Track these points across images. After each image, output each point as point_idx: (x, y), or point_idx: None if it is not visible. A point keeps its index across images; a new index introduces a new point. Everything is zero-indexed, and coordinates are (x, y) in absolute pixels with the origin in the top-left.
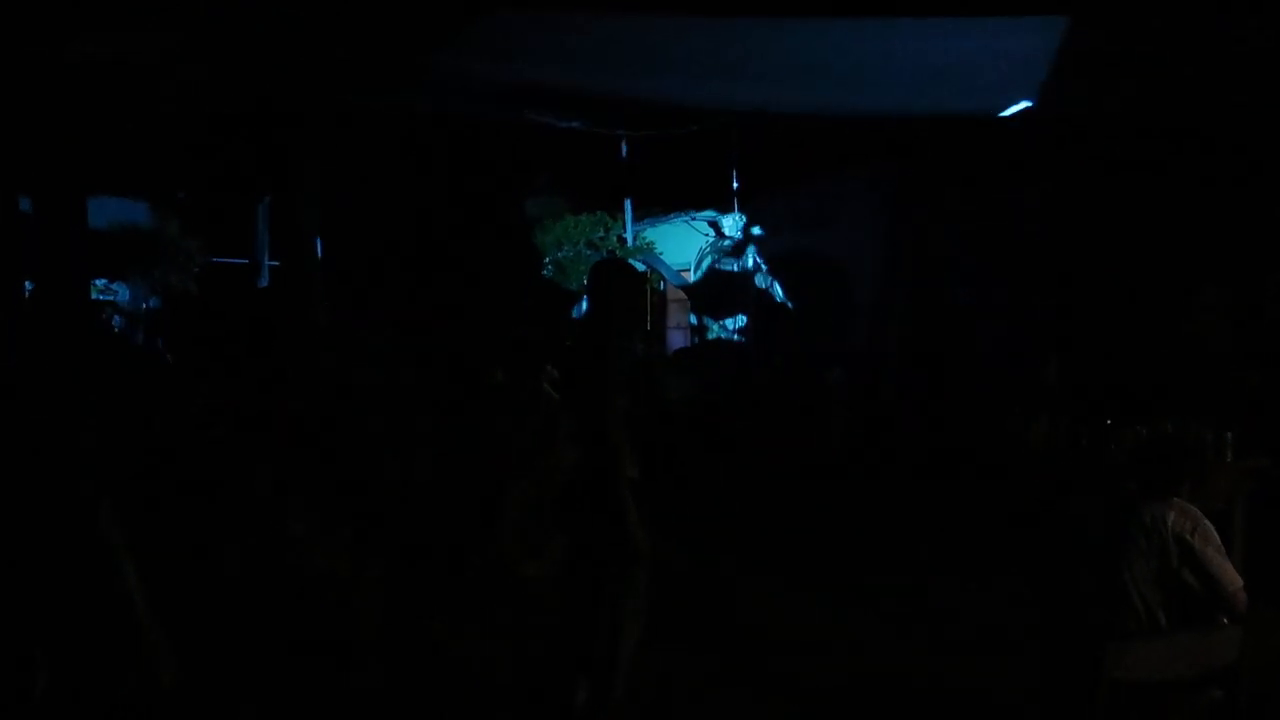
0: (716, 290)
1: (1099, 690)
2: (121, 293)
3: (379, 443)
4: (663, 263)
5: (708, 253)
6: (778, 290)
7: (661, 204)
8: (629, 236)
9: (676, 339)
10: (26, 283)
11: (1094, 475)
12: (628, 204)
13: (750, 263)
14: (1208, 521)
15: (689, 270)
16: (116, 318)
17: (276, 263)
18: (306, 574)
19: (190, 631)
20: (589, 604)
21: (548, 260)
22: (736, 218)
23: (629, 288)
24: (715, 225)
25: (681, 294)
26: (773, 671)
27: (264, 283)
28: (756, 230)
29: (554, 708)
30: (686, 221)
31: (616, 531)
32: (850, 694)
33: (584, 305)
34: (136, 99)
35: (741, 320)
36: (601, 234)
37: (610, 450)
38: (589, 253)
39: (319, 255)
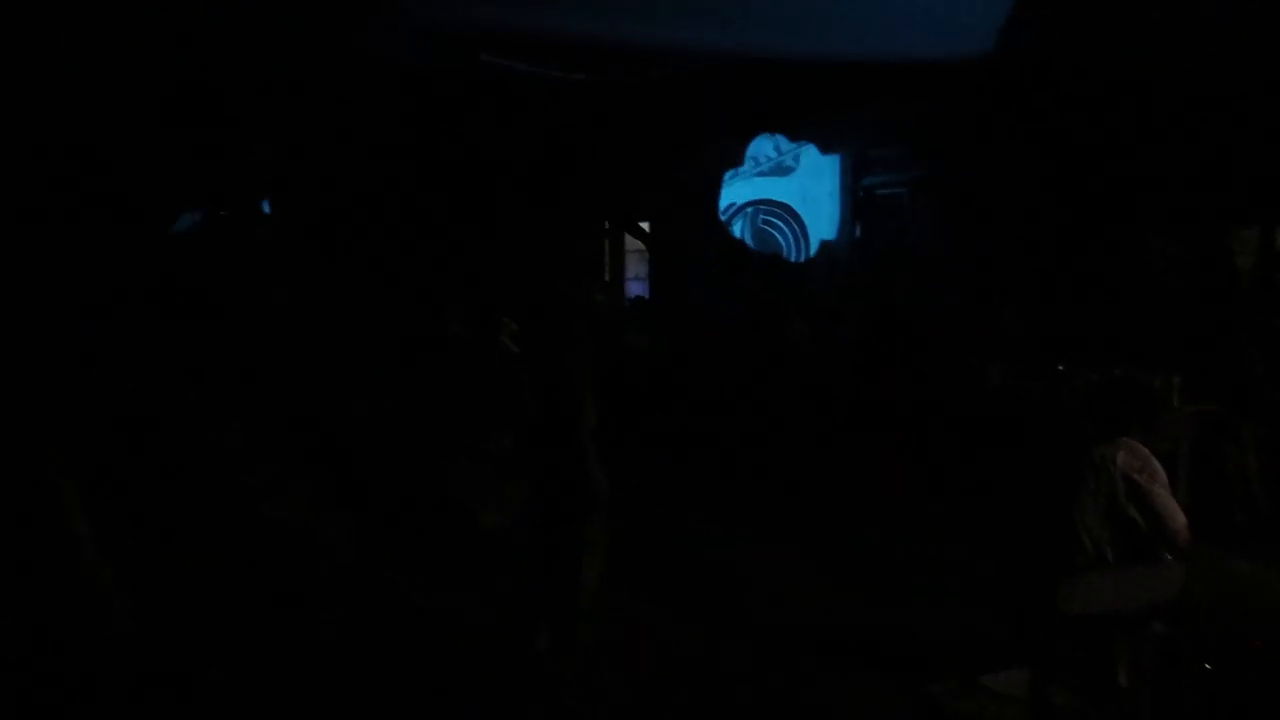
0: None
1: (1050, 624)
2: None
3: (338, 395)
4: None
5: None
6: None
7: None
8: None
9: (635, 290)
10: None
11: (1047, 419)
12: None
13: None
14: (1155, 461)
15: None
16: None
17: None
18: (265, 524)
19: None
20: (550, 551)
21: None
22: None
23: (587, 240)
24: None
25: (640, 245)
26: (734, 616)
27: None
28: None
29: (516, 654)
30: None
31: (577, 479)
32: (809, 636)
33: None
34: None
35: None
36: None
37: (570, 399)
38: None
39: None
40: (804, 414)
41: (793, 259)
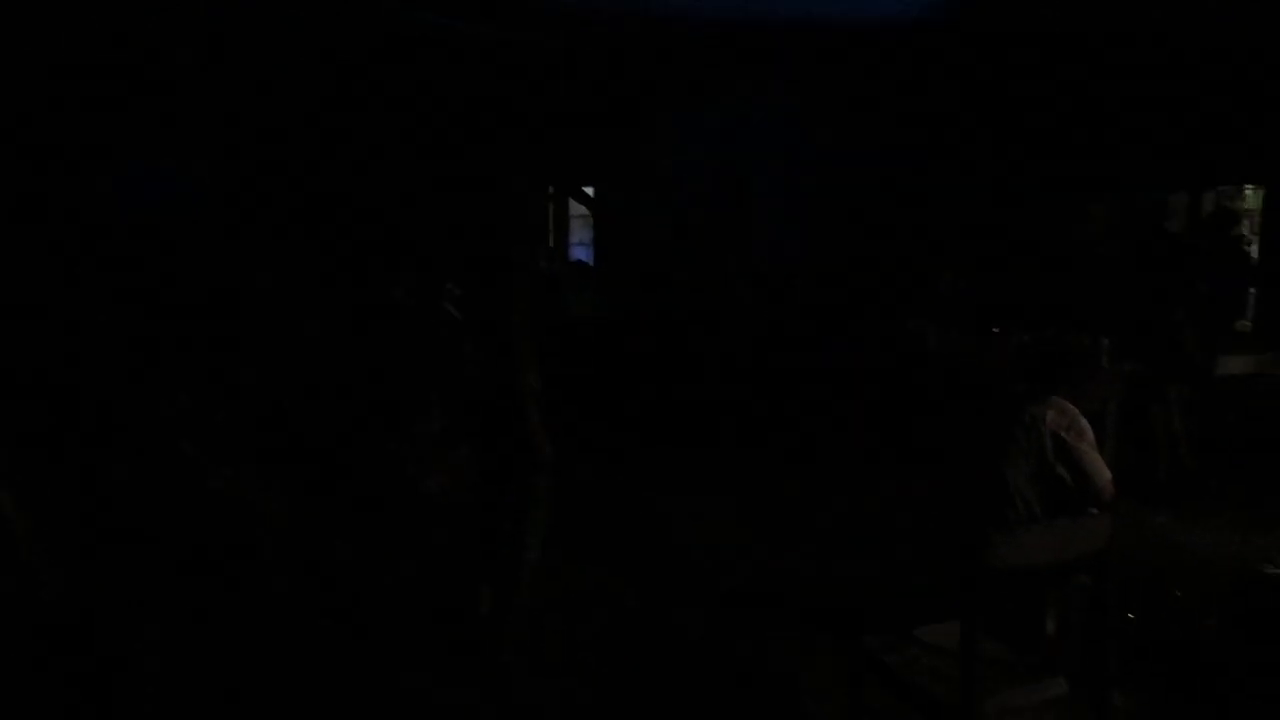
0: None
1: (980, 577)
2: None
3: (277, 361)
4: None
5: None
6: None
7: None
8: None
9: (579, 255)
10: None
11: (982, 379)
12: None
13: None
14: (1083, 419)
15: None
16: None
17: None
18: (204, 494)
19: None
20: (492, 515)
21: None
22: None
23: (531, 204)
24: None
25: (584, 210)
26: (676, 574)
27: None
28: None
29: (460, 619)
30: None
31: (519, 442)
32: (750, 592)
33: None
34: None
35: None
36: None
37: (514, 363)
38: None
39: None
40: (748, 377)
41: (739, 221)
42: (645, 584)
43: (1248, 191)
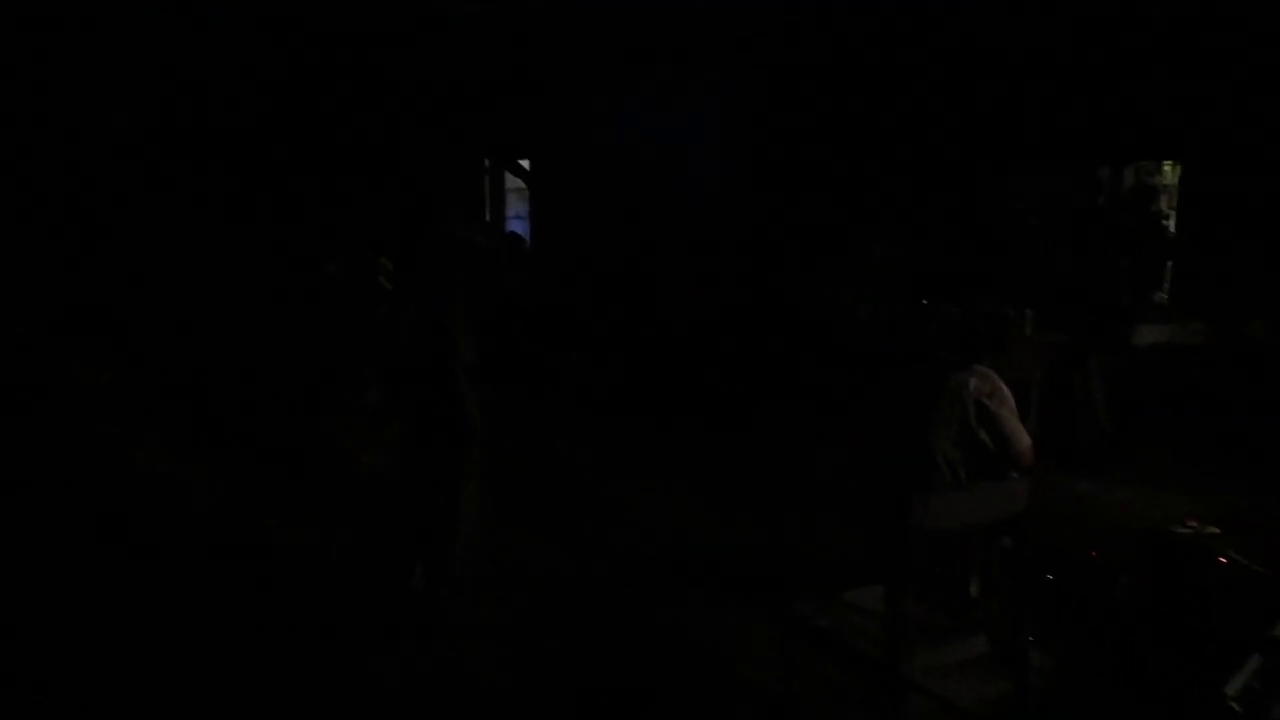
0: None
1: (905, 539)
2: None
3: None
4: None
5: None
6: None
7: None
8: None
9: (516, 228)
10: None
11: (911, 348)
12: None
13: None
14: (1005, 386)
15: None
16: None
17: None
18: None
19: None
20: (427, 488)
21: None
22: None
23: (467, 177)
24: None
25: (520, 183)
26: (609, 545)
27: None
28: None
29: (393, 592)
30: None
31: (454, 415)
32: (684, 561)
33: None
34: None
35: None
36: None
37: (448, 337)
38: None
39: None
40: (684, 349)
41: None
42: (582, 555)
43: (1165, 167)
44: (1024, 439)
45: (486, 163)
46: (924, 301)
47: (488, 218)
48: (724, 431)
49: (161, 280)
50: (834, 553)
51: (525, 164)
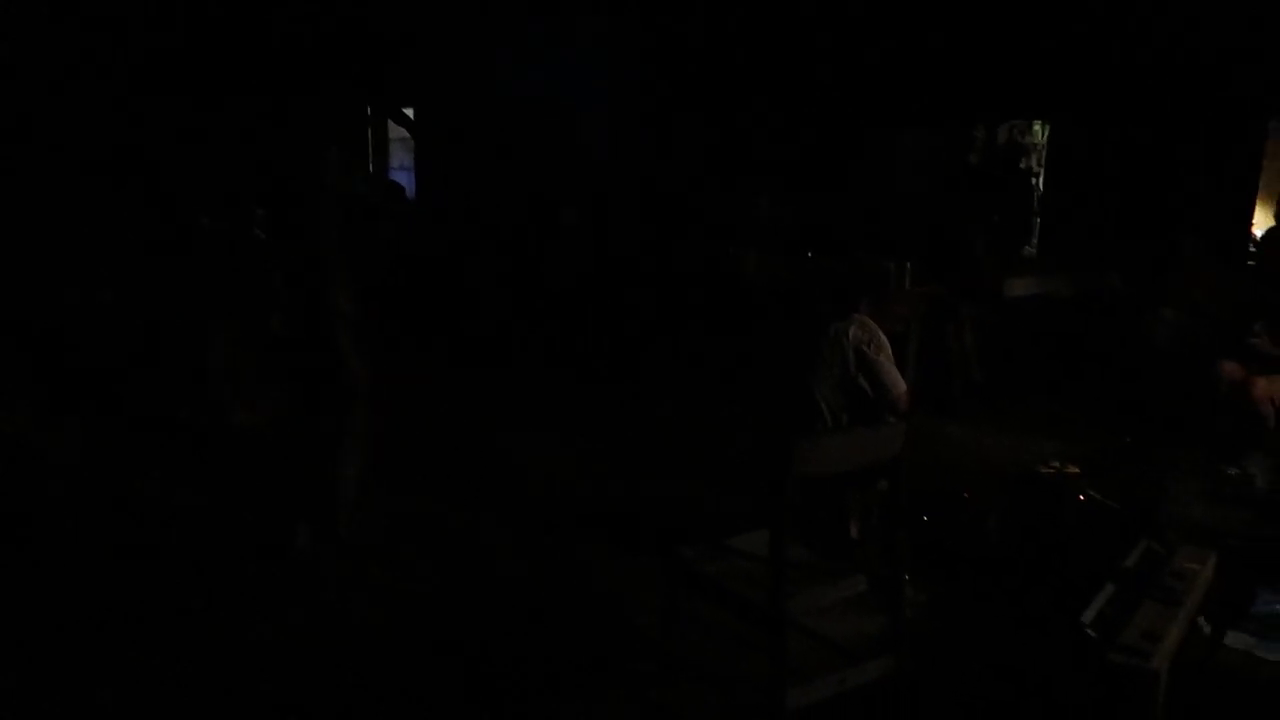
0: None
1: (786, 484)
2: None
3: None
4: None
5: None
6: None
7: None
8: None
9: (401, 180)
10: None
11: (794, 301)
12: None
13: None
14: (882, 334)
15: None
16: None
17: None
18: None
19: None
20: (308, 446)
21: None
22: None
23: (345, 128)
24: None
25: (404, 132)
26: (500, 501)
27: None
28: None
29: (275, 556)
30: None
31: (333, 370)
32: (575, 514)
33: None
34: None
35: None
36: None
37: (325, 287)
38: None
39: None
40: (574, 302)
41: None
42: (468, 510)
43: (1035, 127)
44: (900, 385)
45: (369, 111)
46: (807, 255)
47: (370, 168)
48: (611, 384)
49: (20, 237)
50: (721, 501)
51: (410, 113)
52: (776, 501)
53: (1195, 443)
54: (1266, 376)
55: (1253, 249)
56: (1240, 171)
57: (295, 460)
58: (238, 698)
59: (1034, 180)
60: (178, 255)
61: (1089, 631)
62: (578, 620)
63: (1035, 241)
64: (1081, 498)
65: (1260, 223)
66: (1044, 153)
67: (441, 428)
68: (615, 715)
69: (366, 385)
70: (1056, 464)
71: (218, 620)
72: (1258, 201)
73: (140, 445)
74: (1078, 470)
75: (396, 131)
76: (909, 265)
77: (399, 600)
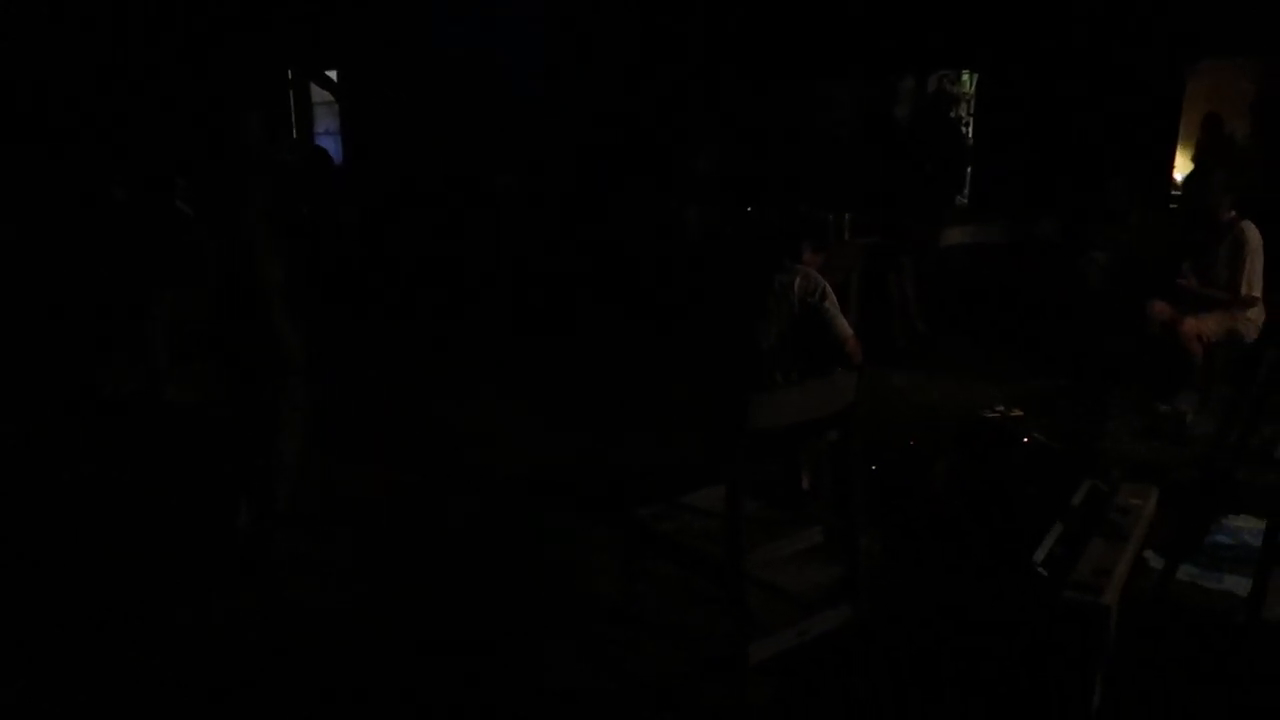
0: None
1: (740, 439)
2: None
3: None
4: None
5: None
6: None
7: None
8: None
9: (327, 145)
10: None
11: (737, 254)
12: None
13: None
14: (826, 284)
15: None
16: None
17: None
18: None
19: None
20: (244, 421)
21: None
22: None
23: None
24: None
25: (328, 96)
26: (446, 468)
27: None
28: None
29: (214, 532)
30: None
31: (267, 341)
32: (525, 478)
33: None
34: None
35: None
36: None
37: (253, 258)
38: None
39: None
40: (514, 265)
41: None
42: (414, 478)
43: (964, 76)
44: (847, 330)
45: (289, 73)
46: (746, 209)
47: (294, 134)
48: (553, 347)
49: None
50: (672, 459)
51: (333, 76)
52: (731, 457)
53: (1128, 382)
54: (1194, 315)
55: (1174, 193)
56: (1161, 119)
57: (232, 436)
58: (186, 684)
59: (964, 129)
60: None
61: (1041, 571)
62: (535, 587)
63: (967, 191)
64: (1026, 440)
65: (1181, 167)
66: (972, 102)
67: (382, 397)
68: (578, 678)
69: (302, 356)
70: (1000, 408)
71: (159, 603)
72: (1178, 147)
73: (69, 423)
74: (1021, 413)
75: (320, 95)
76: (848, 217)
77: (343, 577)
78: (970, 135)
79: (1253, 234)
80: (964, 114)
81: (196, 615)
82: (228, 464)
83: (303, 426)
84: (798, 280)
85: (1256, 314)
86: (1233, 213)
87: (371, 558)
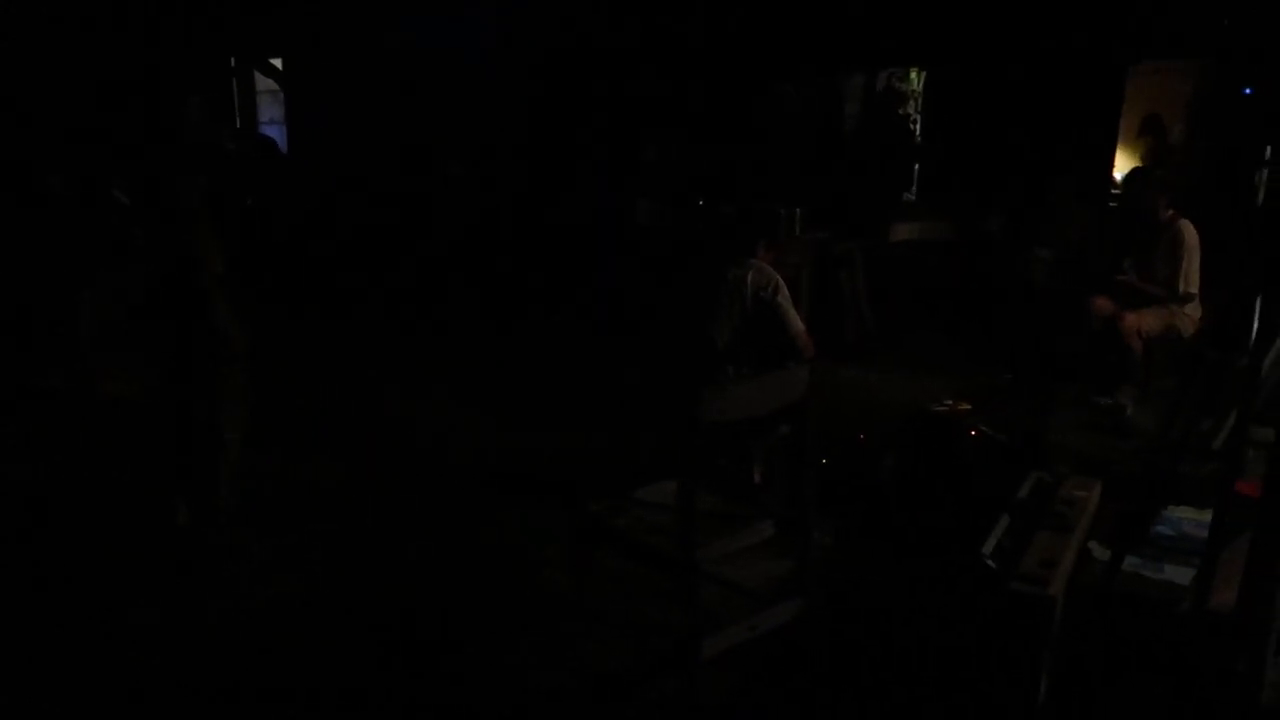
0: None
1: (693, 433)
2: None
3: None
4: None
5: None
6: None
7: None
8: None
9: (273, 135)
10: None
11: (689, 249)
12: None
13: None
14: (779, 278)
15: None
16: None
17: None
18: None
19: None
20: (183, 416)
21: None
22: None
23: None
24: None
25: (273, 84)
26: (397, 463)
27: None
28: None
29: (154, 530)
30: None
31: (208, 332)
32: (477, 473)
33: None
34: None
35: None
36: None
37: (193, 248)
38: None
39: None
40: (463, 257)
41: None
42: (361, 472)
43: (911, 74)
44: (799, 323)
45: (233, 62)
46: (700, 202)
47: (238, 123)
48: (503, 339)
49: None
50: (623, 456)
51: (278, 63)
52: (685, 451)
53: (1071, 376)
54: (1135, 311)
55: (1115, 191)
56: (1102, 118)
57: (171, 431)
58: (129, 687)
59: (912, 127)
60: (26, 221)
61: (989, 563)
62: (487, 583)
63: (914, 188)
64: (974, 433)
65: (1121, 165)
66: (920, 100)
67: (328, 390)
68: (530, 674)
69: (244, 349)
70: (949, 402)
71: (99, 606)
72: (1119, 145)
73: (2, 421)
74: (969, 406)
75: (265, 83)
76: (798, 212)
77: (291, 573)
78: (918, 133)
79: (1190, 233)
80: (912, 111)
81: (133, 617)
82: (165, 460)
83: (244, 421)
84: (751, 275)
85: (1194, 310)
86: (1171, 211)
87: (318, 555)
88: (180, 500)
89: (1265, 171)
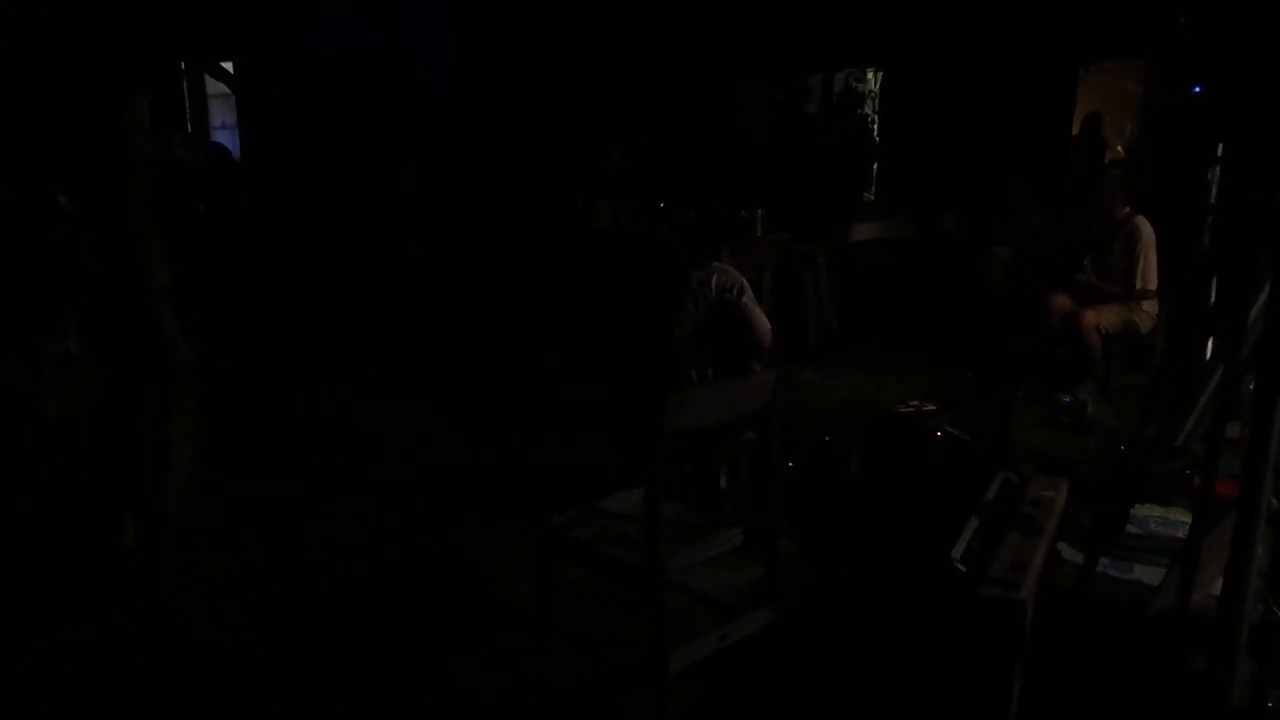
0: None
1: (656, 441)
2: None
3: None
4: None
5: None
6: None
7: None
8: None
9: (224, 140)
10: None
11: (651, 251)
12: None
13: None
14: (743, 279)
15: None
16: None
17: None
18: None
19: None
20: (131, 431)
21: None
22: None
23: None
24: None
25: (224, 88)
26: (346, 475)
27: None
28: None
29: (98, 549)
30: None
31: (154, 347)
32: (440, 486)
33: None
34: None
35: None
36: None
37: (141, 259)
38: None
39: None
40: (420, 265)
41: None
42: (317, 488)
43: (869, 75)
44: (764, 323)
45: (182, 65)
46: (661, 205)
47: (188, 128)
48: (463, 350)
49: None
50: (586, 464)
51: (229, 67)
52: (650, 459)
53: (1031, 374)
54: (1093, 308)
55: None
56: (1055, 119)
57: (117, 448)
58: (66, 706)
59: (870, 127)
60: None
61: (959, 566)
62: (446, 598)
63: (873, 188)
64: (940, 434)
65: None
66: (877, 100)
67: (280, 402)
68: (493, 692)
69: (193, 362)
70: (914, 402)
71: (34, 625)
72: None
73: None
74: (934, 407)
75: (216, 87)
76: (760, 213)
77: (241, 595)
78: (876, 133)
79: (1146, 229)
80: (870, 112)
81: (81, 636)
82: (111, 477)
83: (193, 436)
84: (715, 277)
85: (1151, 306)
86: (1127, 209)
87: (271, 570)
88: (128, 517)
89: (1217, 169)
